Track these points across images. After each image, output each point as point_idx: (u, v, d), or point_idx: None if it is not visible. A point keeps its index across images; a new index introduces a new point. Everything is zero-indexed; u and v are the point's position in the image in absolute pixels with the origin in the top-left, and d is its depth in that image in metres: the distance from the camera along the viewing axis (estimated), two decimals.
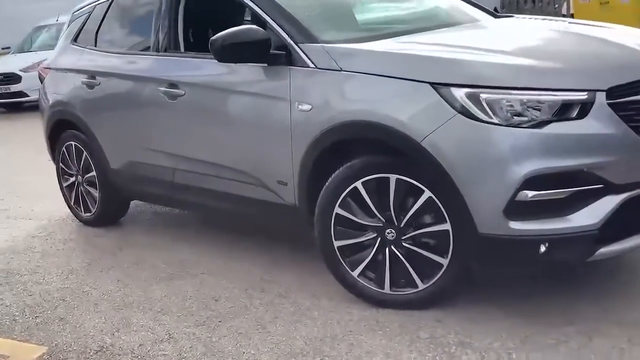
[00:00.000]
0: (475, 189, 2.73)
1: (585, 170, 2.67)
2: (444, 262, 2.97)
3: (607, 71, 2.81)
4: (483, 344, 2.77)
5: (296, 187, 3.34)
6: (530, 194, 2.66)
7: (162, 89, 3.93)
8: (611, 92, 2.71)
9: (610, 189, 2.71)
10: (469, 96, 2.73)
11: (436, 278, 3.01)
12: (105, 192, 4.72)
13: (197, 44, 4.16)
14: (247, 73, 3.47)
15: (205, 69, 3.77)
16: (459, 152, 2.74)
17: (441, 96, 2.77)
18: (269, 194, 3.51)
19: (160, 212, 5.18)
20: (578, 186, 2.68)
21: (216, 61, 3.46)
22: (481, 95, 2.70)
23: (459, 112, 2.73)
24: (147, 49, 4.24)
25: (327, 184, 3.14)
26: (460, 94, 2.74)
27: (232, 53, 3.31)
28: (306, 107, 3.18)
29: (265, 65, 3.36)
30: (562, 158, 2.65)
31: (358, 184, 3.04)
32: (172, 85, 3.88)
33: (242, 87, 3.51)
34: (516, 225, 2.70)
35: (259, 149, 3.47)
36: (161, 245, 4.34)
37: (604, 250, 2.74)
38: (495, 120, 2.69)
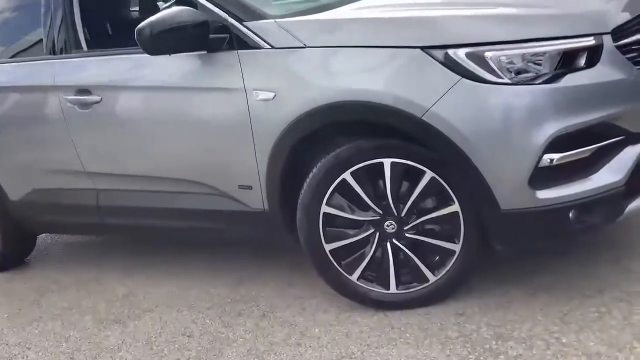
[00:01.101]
0: (494, 162, 2.39)
1: (607, 122, 2.41)
2: (456, 247, 2.64)
3: (606, 11, 2.55)
4: (522, 331, 2.47)
5: (264, 189, 2.86)
6: (555, 157, 2.37)
7: (70, 97, 3.27)
8: (615, 34, 2.45)
9: (630, 139, 2.48)
10: (470, 56, 2.38)
11: (448, 267, 2.67)
12: (5, 229, 3.97)
13: (105, 39, 3.52)
14: (182, 65, 2.91)
15: (125, 66, 3.16)
16: (470, 122, 2.38)
17: (437, 61, 2.40)
18: (229, 203, 3.00)
19: (72, 243, 4.48)
20: (601, 141, 2.42)
21: (139, 55, 2.91)
22: (486, 53, 2.36)
23: (463, 76, 2.37)
24: (39, 52, 3.53)
25: (308, 181, 2.69)
26: (460, 54, 2.38)
27: (165, 42, 2.75)
28: (267, 95, 2.70)
29: (205, 52, 2.83)
30: (583, 112, 2.37)
31: (346, 176, 2.63)
32: (83, 91, 3.24)
33: (178, 83, 2.95)
34: (543, 195, 2.41)
35: (211, 153, 2.94)
36: (91, 280, 3.69)
37: (633, 205, 2.50)
38: (505, 79, 2.35)
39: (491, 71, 2.36)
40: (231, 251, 3.63)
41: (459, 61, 2.37)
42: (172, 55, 2.83)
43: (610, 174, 2.44)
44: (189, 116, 2.94)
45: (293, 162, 2.76)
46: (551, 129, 2.33)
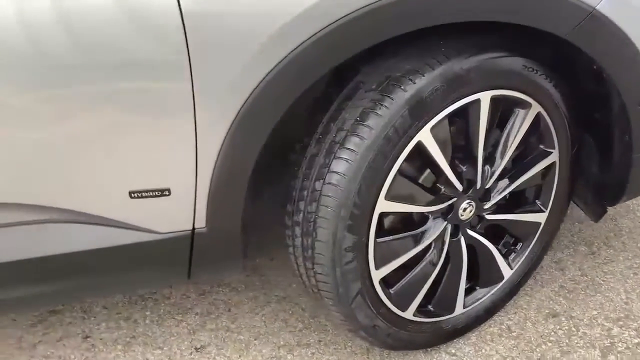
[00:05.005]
0: None
1: None
2: (541, 218, 1.66)
3: None
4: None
5: (203, 192, 1.29)
6: None
7: None
8: None
9: None
10: None
11: (530, 248, 1.69)
12: None
13: None
14: None
15: None
16: None
17: None
18: (103, 233, 1.32)
19: None
20: None
21: None
22: None
23: None
24: None
25: (349, 162, 1.29)
26: None
27: None
28: None
29: None
30: None
31: (424, 135, 1.34)
32: None
33: None
34: None
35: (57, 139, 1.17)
36: None
37: None
38: None
39: None
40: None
41: None
42: None
43: None
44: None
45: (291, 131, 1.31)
46: None
